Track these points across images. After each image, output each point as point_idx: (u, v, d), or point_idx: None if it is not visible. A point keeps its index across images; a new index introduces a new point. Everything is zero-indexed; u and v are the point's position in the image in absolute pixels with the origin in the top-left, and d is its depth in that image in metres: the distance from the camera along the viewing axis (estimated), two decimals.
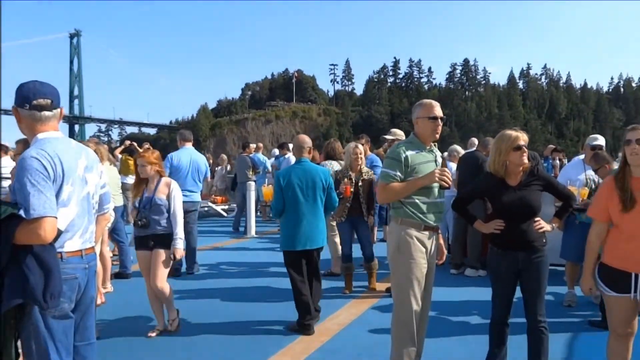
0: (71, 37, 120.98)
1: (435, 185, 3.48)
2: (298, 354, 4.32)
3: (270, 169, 12.18)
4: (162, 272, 4.76)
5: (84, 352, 2.70)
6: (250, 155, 11.80)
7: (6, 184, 9.03)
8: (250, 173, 11.32)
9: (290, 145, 11.71)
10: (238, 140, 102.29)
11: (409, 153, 3.46)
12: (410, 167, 3.44)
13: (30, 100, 2.49)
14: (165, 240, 4.75)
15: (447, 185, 3.46)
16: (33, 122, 2.52)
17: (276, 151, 13.36)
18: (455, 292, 6.15)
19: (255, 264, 7.82)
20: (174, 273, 6.92)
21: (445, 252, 3.86)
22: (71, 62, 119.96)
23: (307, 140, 5.15)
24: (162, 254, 4.74)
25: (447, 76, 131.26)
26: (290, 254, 4.91)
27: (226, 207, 14.35)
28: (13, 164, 7.92)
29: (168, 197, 4.79)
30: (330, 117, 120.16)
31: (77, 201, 2.55)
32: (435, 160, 3.58)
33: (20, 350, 2.48)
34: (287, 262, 4.95)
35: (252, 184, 10.70)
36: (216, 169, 15.17)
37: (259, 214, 12.52)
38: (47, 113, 2.52)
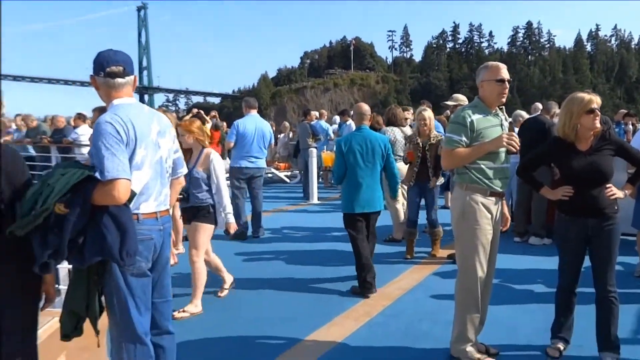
0: (138, 10, 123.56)
1: (502, 150, 3.34)
2: (360, 317, 4.35)
3: (332, 135, 12.12)
4: (198, 246, 4.57)
5: (161, 308, 2.79)
6: (312, 122, 11.77)
7: (85, 150, 9.47)
8: (311, 140, 11.31)
9: (351, 112, 11.64)
10: (298, 109, 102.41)
11: (475, 117, 3.32)
12: (475, 132, 3.30)
13: (105, 68, 2.52)
14: (203, 213, 4.55)
15: (514, 150, 3.31)
16: (108, 89, 2.56)
17: (337, 118, 13.29)
18: (519, 259, 5.98)
19: (318, 228, 7.88)
20: (240, 236, 7.10)
21: (509, 219, 3.72)
22: (139, 35, 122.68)
23: (366, 108, 5.25)
24: (198, 227, 4.55)
25: (509, 40, 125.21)
26: (350, 216, 5.02)
27: (289, 173, 14.49)
28: (90, 131, 8.25)
29: (207, 169, 4.54)
30: (388, 84, 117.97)
31: (150, 165, 2.59)
32: (502, 125, 3.42)
33: (103, 305, 2.58)
34: (346, 223, 5.07)
35: (314, 150, 10.68)
36: (279, 136, 15.27)
37: (320, 180, 12.53)
38: (120, 80, 2.56)
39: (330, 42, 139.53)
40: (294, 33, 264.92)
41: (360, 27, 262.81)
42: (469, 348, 3.42)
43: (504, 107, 3.51)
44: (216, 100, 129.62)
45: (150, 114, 2.70)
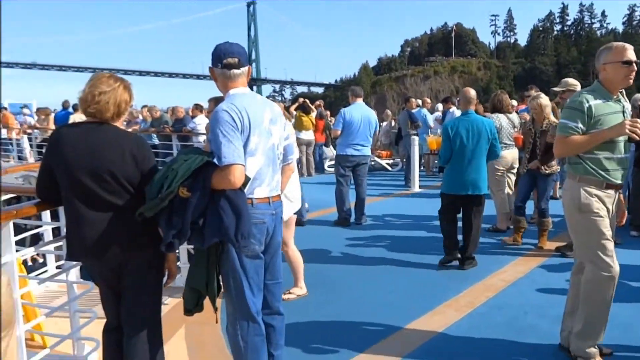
0: (248, 5, 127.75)
1: (622, 138, 3.01)
2: (463, 307, 4.18)
3: (431, 124, 11.78)
4: (285, 238, 4.14)
5: (273, 289, 2.84)
6: (412, 110, 11.51)
7: (201, 138, 9.92)
8: (410, 127, 11.06)
9: (455, 100, 11.23)
10: (397, 97, 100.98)
11: (594, 102, 3.00)
12: (594, 119, 2.98)
13: (222, 60, 2.59)
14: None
15: (638, 138, 2.96)
16: (225, 80, 2.63)
17: (439, 106, 12.91)
18: (636, 255, 5.44)
19: (420, 216, 7.69)
20: (343, 223, 7.11)
21: (626, 212, 3.35)
22: (248, 29, 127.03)
23: (473, 93, 5.32)
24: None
25: (625, 20, 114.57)
26: (449, 197, 5.18)
27: (390, 161, 14.27)
28: (206, 120, 8.62)
29: None
30: (491, 70, 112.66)
31: (263, 151, 2.62)
32: (624, 112, 3.07)
33: (221, 284, 2.67)
34: (443, 203, 5.26)
35: (416, 138, 10.41)
36: (381, 124, 15.12)
37: (422, 168, 12.23)
38: (235, 71, 2.61)
39: (431, 29, 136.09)
40: (394, 22, 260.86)
41: (461, 13, 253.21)
42: (592, 349, 3.13)
43: (623, 91, 3.16)
44: (319, 90, 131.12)
45: (263, 102, 2.73)
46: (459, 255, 5.20)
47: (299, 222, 7.01)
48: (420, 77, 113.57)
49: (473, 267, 5.14)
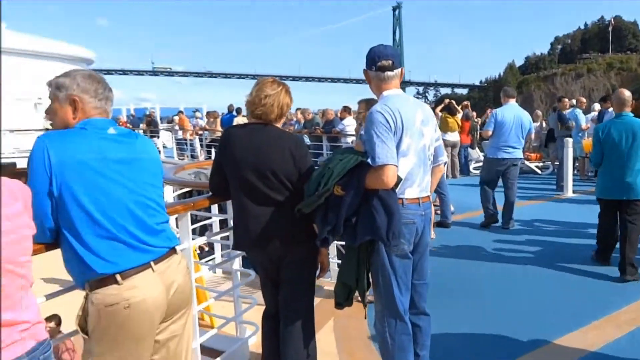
0: (393, 9, 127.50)
1: None
2: (624, 324, 3.69)
3: (584, 125, 10.65)
4: None
5: (419, 289, 2.75)
6: (565, 111, 10.52)
7: (349, 139, 10.07)
8: (561, 128, 10.13)
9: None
10: (545, 97, 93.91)
11: None
12: None
13: (376, 62, 2.56)
14: None
15: None
16: (379, 82, 2.60)
17: (596, 105, 11.65)
18: None
19: (573, 223, 6.99)
20: (490, 225, 6.74)
21: None
22: (394, 33, 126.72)
23: (627, 94, 4.89)
24: None
25: None
26: (603, 201, 4.92)
27: (540, 164, 13.14)
28: (354, 122, 8.73)
29: None
30: None
31: (414, 152, 2.55)
32: None
33: (370, 281, 2.65)
34: (601, 209, 4.98)
35: (569, 140, 9.47)
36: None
37: (576, 171, 11.10)
38: (389, 73, 2.56)
39: (585, 24, 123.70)
40: (544, 18, 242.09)
41: (620, 5, 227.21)
42: None
43: None
44: (463, 91, 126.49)
45: (415, 104, 2.66)
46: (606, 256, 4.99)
47: (444, 224, 6.80)
48: (572, 75, 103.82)
49: (636, 280, 4.53)
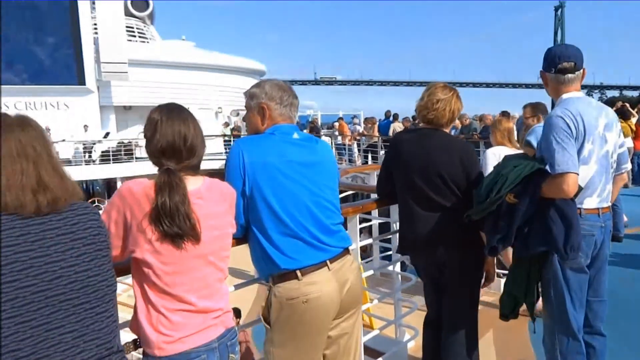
0: (555, 9, 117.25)
1: None
2: None
3: None
4: None
5: (595, 307, 2.45)
6: None
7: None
8: None
9: None
10: None
11: None
12: None
13: (556, 65, 2.35)
14: None
15: None
16: (557, 85, 2.38)
17: None
18: None
19: None
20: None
21: None
22: (555, 34, 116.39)
23: None
24: None
25: None
26: None
27: None
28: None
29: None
30: None
31: (596, 159, 2.30)
32: None
33: (540, 292, 2.45)
34: None
35: None
36: None
37: None
38: (570, 75, 2.34)
39: None
40: None
41: None
42: None
43: None
44: (634, 94, 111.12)
45: (598, 107, 2.39)
46: None
47: (617, 238, 6.02)
48: None
49: None
